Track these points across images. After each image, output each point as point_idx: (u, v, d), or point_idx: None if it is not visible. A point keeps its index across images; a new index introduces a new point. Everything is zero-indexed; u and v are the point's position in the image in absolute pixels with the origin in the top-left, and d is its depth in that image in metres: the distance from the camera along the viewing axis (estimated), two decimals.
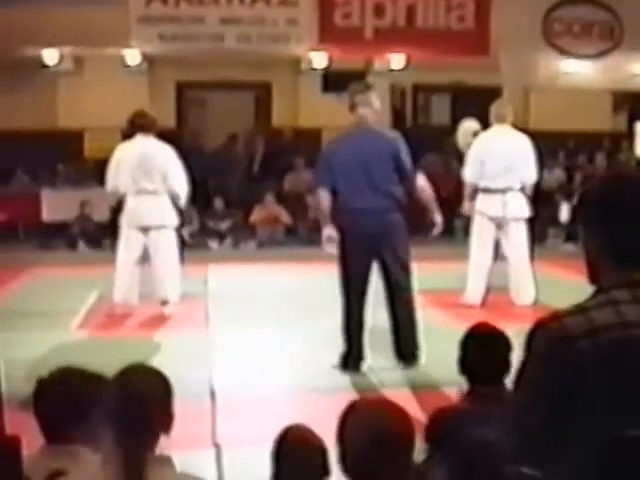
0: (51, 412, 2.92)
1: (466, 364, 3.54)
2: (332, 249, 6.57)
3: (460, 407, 3.48)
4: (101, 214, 13.19)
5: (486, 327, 3.67)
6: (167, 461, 2.56)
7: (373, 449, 2.59)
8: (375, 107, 6.73)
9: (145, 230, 8.61)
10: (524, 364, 1.97)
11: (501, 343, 3.54)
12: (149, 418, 2.53)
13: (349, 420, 2.70)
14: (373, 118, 6.71)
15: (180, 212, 8.92)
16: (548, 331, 1.92)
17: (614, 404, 1.85)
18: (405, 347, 6.71)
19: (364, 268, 6.61)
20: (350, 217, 6.53)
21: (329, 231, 6.56)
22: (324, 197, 6.65)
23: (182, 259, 9.14)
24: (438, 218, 6.89)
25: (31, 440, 3.08)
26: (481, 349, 3.49)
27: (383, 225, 6.54)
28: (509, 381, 3.25)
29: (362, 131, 6.67)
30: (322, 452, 3.03)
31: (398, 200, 6.62)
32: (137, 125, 8.68)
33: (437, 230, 6.95)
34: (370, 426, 2.65)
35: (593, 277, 2.04)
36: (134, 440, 2.48)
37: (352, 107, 6.69)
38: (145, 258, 8.74)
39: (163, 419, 2.58)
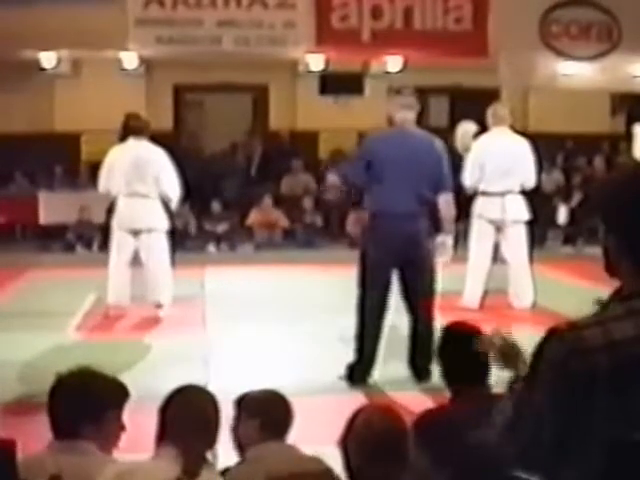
0: (64, 410, 2.97)
1: (444, 366, 3.46)
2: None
3: (446, 409, 3.43)
4: (98, 216, 13.17)
5: (461, 327, 3.53)
6: (211, 466, 3.04)
7: (371, 460, 2.60)
8: (416, 111, 6.57)
9: (136, 233, 8.60)
10: (535, 370, 1.92)
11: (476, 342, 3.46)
12: (208, 432, 3.01)
13: (352, 428, 2.73)
14: (413, 122, 6.56)
15: (171, 215, 8.90)
16: (565, 341, 1.87)
17: (628, 418, 1.82)
18: (420, 360, 6.42)
19: (388, 272, 6.37)
20: (387, 221, 6.29)
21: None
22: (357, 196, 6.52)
23: (173, 262, 9.11)
24: (447, 240, 6.66)
25: (28, 441, 3.08)
26: (457, 350, 3.36)
27: (414, 230, 6.33)
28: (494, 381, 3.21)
29: (409, 134, 6.48)
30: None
31: (429, 205, 6.43)
32: (130, 128, 8.66)
33: (443, 252, 6.68)
34: (366, 438, 2.68)
35: (611, 271, 1.98)
36: (195, 448, 2.93)
37: (396, 109, 6.50)
38: (136, 261, 8.72)
39: (215, 432, 3.07)
